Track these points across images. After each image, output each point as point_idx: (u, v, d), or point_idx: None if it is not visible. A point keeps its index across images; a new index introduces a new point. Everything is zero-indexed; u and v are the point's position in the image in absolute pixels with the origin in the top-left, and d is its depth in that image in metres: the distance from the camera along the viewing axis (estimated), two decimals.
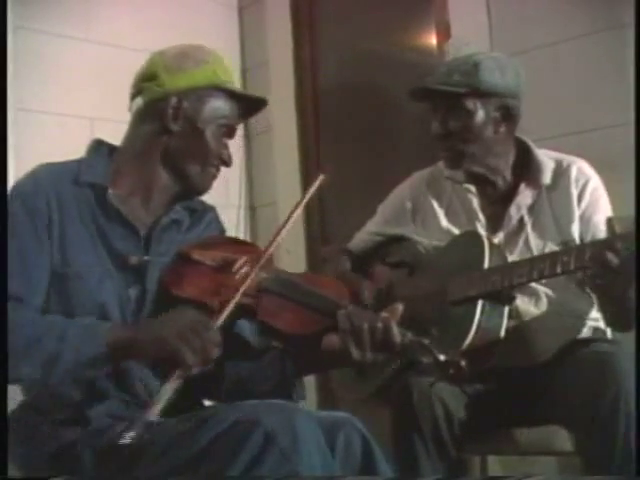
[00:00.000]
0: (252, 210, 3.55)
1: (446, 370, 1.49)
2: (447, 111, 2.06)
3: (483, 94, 2.04)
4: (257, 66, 3.57)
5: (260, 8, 3.58)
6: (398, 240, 2.26)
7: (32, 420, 1.54)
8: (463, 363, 1.48)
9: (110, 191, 1.65)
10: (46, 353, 1.45)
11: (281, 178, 3.44)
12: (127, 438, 1.35)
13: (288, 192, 3.38)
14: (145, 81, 1.72)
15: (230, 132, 1.76)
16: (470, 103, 2.04)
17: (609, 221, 1.94)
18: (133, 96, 1.74)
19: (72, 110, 2.90)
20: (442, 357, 1.49)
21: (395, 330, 1.50)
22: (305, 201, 1.70)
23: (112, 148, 1.75)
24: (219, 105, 1.71)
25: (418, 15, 3.13)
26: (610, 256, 1.70)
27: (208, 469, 1.33)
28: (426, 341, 1.51)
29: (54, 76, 2.89)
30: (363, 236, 2.36)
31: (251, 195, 3.57)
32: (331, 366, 1.69)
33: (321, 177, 1.74)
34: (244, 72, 3.61)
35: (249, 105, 1.79)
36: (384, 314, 1.53)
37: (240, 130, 3.56)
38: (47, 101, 2.86)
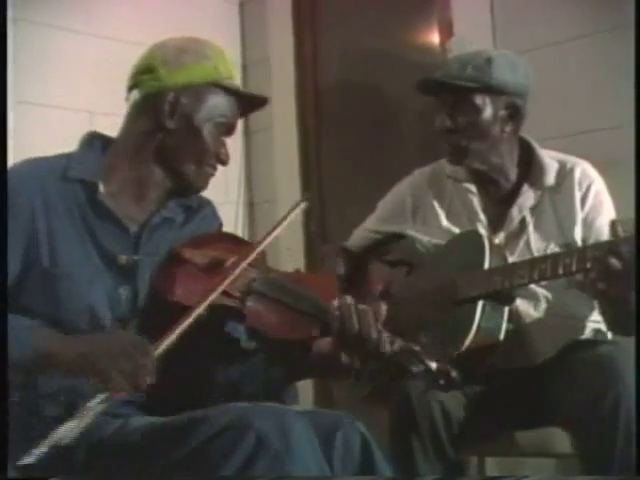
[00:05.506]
0: (250, 207, 3.55)
1: (437, 379, 1.47)
2: (454, 105, 2.04)
3: (493, 91, 2.02)
4: (258, 62, 3.56)
5: (261, 3, 3.57)
6: (397, 238, 2.25)
7: (25, 419, 1.50)
8: (454, 373, 1.46)
9: (101, 187, 1.60)
10: None
11: (280, 175, 3.43)
12: (31, 457, 1.31)
13: (287, 189, 3.38)
14: (142, 74, 1.66)
15: (229, 130, 1.71)
16: (479, 99, 2.02)
17: (613, 224, 1.92)
18: (130, 88, 1.69)
19: (72, 103, 2.89)
20: (433, 365, 1.46)
21: (384, 336, 1.46)
22: (285, 224, 1.64)
23: (106, 141, 1.69)
24: (218, 102, 1.66)
25: (420, 12, 3.13)
26: (612, 258, 1.69)
27: (200, 471, 1.32)
28: (416, 348, 1.47)
29: (54, 69, 2.88)
30: (361, 233, 2.35)
31: (250, 192, 3.56)
32: (321, 372, 1.64)
33: (302, 205, 1.69)
34: (244, 68, 3.60)
35: (249, 102, 1.75)
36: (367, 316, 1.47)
37: (240, 126, 3.58)
38: (47, 94, 2.85)
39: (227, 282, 1.53)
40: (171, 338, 1.43)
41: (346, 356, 1.47)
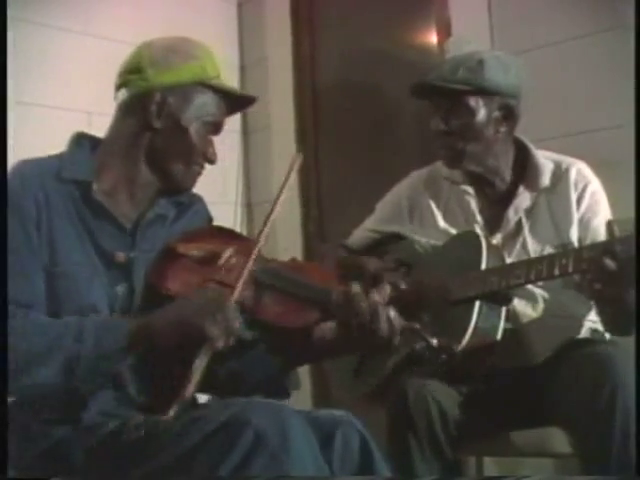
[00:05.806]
0: (249, 207, 3.54)
1: (439, 355, 1.48)
2: (448, 108, 2.04)
3: (486, 92, 2.02)
4: (256, 62, 3.56)
5: (259, 4, 3.57)
6: (395, 238, 2.25)
7: (23, 419, 1.50)
8: (455, 347, 1.47)
9: (95, 186, 1.61)
10: (65, 355, 1.43)
11: (278, 175, 3.41)
12: (168, 414, 1.39)
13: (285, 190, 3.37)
14: (130, 73, 1.66)
15: (216, 128, 1.71)
16: (472, 101, 2.02)
17: (609, 224, 1.92)
18: (118, 87, 1.70)
19: (70, 104, 2.89)
20: (434, 341, 1.48)
21: (384, 316, 1.48)
22: (286, 183, 1.65)
23: (94, 141, 1.70)
24: (205, 102, 1.67)
25: (418, 12, 3.13)
26: (608, 259, 1.69)
27: (198, 469, 1.32)
28: (417, 326, 1.49)
29: (53, 69, 2.87)
30: (360, 233, 2.35)
31: (248, 192, 3.55)
32: (324, 356, 1.66)
33: (299, 160, 1.70)
34: (242, 68, 3.59)
35: (237, 100, 1.75)
36: (374, 299, 1.50)
37: (238, 126, 3.58)
38: (46, 94, 2.85)
39: (247, 270, 1.55)
40: (238, 290, 1.49)
41: (349, 345, 1.50)
